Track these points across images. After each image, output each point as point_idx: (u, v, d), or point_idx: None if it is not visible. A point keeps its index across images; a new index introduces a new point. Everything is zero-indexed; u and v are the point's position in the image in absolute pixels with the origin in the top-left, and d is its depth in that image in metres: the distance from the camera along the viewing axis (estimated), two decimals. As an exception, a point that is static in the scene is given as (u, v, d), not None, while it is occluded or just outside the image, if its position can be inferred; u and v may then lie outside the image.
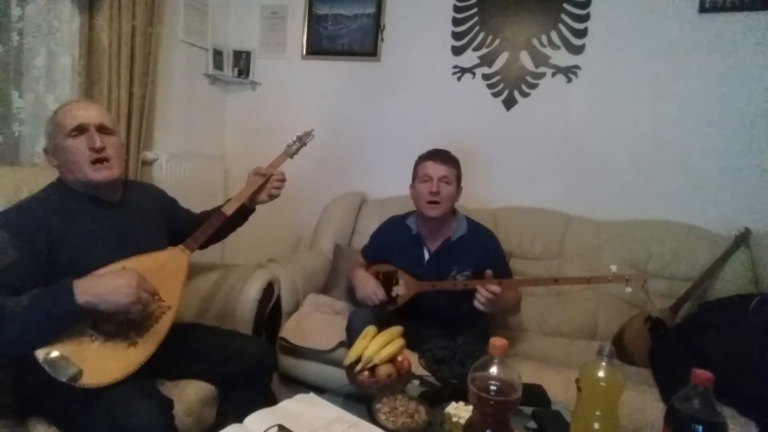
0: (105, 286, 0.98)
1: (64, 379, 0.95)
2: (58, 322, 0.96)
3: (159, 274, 1.14)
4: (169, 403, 1.06)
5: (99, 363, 1.00)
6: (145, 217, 1.28)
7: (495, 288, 1.38)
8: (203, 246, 1.34)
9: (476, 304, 1.41)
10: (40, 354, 0.95)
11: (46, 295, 0.95)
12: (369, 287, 1.59)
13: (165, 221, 1.36)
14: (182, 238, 1.31)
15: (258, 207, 1.52)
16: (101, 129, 1.13)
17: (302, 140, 1.54)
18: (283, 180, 1.48)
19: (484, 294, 1.38)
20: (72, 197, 1.14)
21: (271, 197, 1.48)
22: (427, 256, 1.66)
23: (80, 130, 1.10)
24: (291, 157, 1.52)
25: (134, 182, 1.33)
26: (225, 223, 1.38)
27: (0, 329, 0.92)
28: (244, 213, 1.48)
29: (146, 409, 0.98)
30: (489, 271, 1.43)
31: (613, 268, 1.38)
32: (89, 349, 1.00)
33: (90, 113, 1.13)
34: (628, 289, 1.37)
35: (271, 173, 1.46)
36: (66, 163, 1.12)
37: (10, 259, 0.98)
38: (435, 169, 1.57)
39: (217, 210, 1.38)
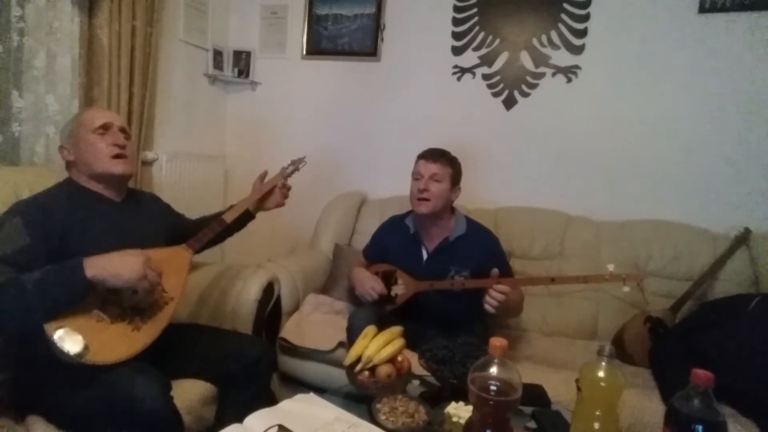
0: (113, 261, 1.04)
1: (71, 353, 0.97)
2: (66, 295, 1.00)
3: (162, 267, 1.17)
4: (167, 383, 1.07)
5: (104, 342, 1.03)
6: (148, 216, 1.36)
7: (505, 288, 1.37)
8: (201, 249, 1.40)
9: (486, 306, 1.40)
10: (49, 328, 0.98)
11: (56, 270, 1.00)
12: (366, 282, 1.60)
13: (165, 225, 1.42)
14: (179, 242, 1.36)
15: (259, 207, 1.57)
16: (122, 131, 1.27)
17: (295, 164, 1.63)
18: (288, 188, 1.57)
19: (495, 296, 1.37)
20: (80, 194, 1.21)
21: (277, 205, 1.56)
22: (425, 255, 1.66)
23: (105, 128, 1.23)
24: (285, 179, 1.59)
25: (135, 189, 1.44)
26: (225, 229, 1.45)
27: (13, 298, 0.96)
28: (243, 220, 1.53)
29: (146, 382, 1.01)
30: (495, 270, 1.41)
31: (610, 267, 1.36)
32: (95, 328, 1.04)
33: (114, 117, 1.29)
34: (626, 288, 1.36)
35: (275, 184, 1.54)
36: (85, 156, 1.20)
37: (23, 243, 1.04)
38: (426, 168, 1.60)
39: (218, 217, 1.46)
